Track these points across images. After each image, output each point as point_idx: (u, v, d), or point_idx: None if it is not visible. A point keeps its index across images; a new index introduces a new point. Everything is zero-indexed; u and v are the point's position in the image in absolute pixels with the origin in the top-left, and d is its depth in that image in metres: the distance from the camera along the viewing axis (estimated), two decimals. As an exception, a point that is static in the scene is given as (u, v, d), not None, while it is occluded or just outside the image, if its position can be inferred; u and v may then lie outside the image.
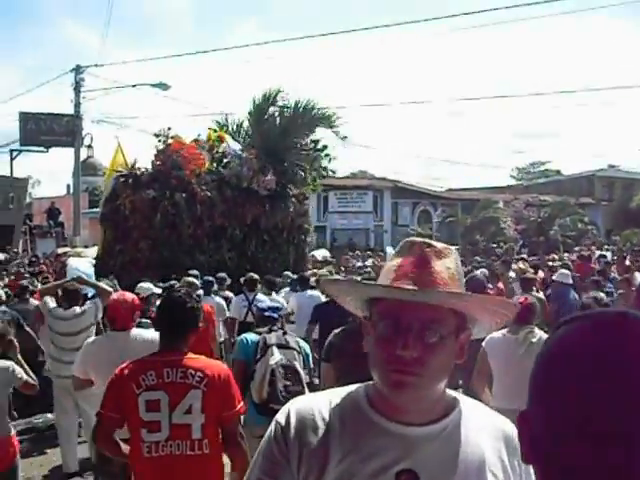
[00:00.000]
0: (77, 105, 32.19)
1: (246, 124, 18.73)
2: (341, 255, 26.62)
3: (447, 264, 1.85)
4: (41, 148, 37.36)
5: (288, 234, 17.02)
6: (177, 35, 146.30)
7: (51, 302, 8.77)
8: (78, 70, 31.46)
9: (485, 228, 38.60)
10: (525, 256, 22.06)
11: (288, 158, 17.41)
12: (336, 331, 5.97)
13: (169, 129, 16.48)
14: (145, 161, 16.29)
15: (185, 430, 4.11)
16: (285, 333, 6.37)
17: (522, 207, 40.86)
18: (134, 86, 32.58)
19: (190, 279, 10.57)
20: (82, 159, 37.47)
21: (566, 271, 13.46)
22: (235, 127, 18.72)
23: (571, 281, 12.93)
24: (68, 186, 47.13)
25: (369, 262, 22.92)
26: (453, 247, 1.99)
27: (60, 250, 24.48)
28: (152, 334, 5.61)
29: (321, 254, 24.31)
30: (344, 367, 5.29)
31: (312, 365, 6.99)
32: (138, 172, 15.54)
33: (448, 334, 1.77)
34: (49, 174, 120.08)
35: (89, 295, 9.41)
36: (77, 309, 8.53)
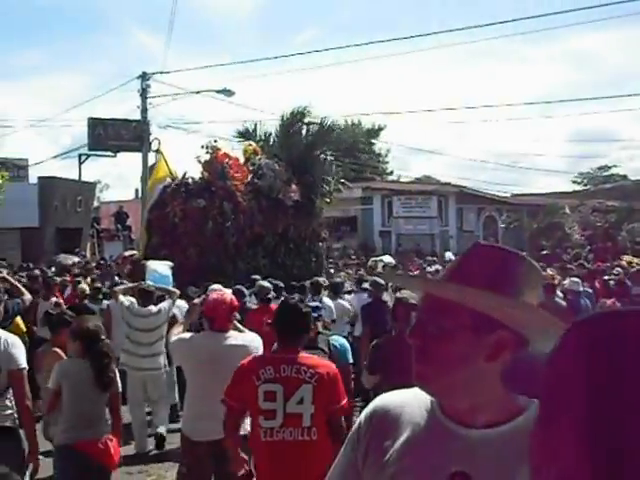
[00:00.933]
0: (144, 111, 32.51)
1: (273, 134, 19.91)
2: (407, 260, 26.37)
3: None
4: (109, 153, 37.89)
5: (310, 242, 18.11)
6: (241, 41, 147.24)
7: (126, 301, 9.32)
8: (144, 77, 31.80)
9: (551, 234, 38.00)
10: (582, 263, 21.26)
11: (312, 171, 18.32)
12: (378, 342, 6.39)
13: (215, 141, 17.47)
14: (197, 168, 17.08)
15: (297, 419, 4.71)
16: (318, 333, 6.61)
17: (589, 212, 40.15)
18: (198, 92, 32.81)
19: (264, 283, 11.37)
20: (150, 164, 37.90)
21: (576, 279, 13.65)
22: (263, 137, 19.88)
23: (582, 289, 13.26)
24: (136, 190, 47.65)
25: (432, 268, 22.56)
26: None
27: (127, 253, 24.70)
28: (247, 339, 5.84)
29: (386, 259, 24.04)
30: (388, 378, 5.59)
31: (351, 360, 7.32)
32: (189, 182, 16.27)
33: (458, 328, 1.71)
34: (118, 178, 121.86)
35: None
36: (153, 308, 9.17)
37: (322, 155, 18.90)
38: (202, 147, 16.90)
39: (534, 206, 44.02)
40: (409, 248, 34.89)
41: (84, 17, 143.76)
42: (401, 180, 59.66)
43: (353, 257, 30.68)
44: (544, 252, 31.31)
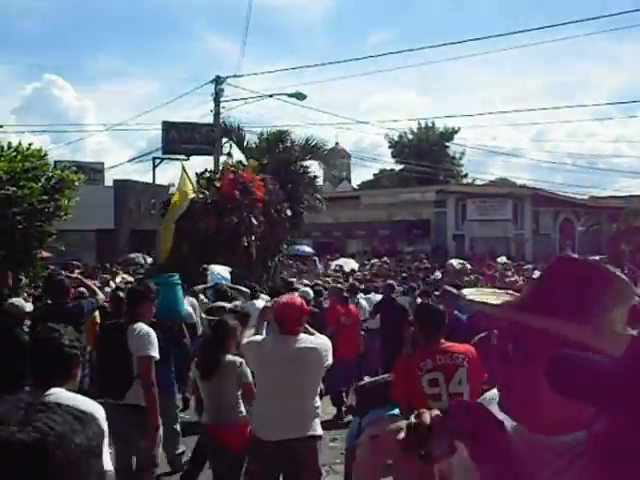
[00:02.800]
0: (217, 115, 32.69)
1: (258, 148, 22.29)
2: (481, 264, 25.97)
3: None
4: (182, 156, 38.26)
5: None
6: (313, 44, 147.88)
7: (205, 299, 9.88)
8: (218, 81, 31.98)
9: (632, 238, 36.99)
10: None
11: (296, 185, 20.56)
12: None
13: (236, 161, 19.89)
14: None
15: (459, 396, 5.39)
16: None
17: (672, 216, 39.02)
18: (271, 96, 32.86)
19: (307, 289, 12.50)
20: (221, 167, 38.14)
21: None
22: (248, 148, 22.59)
23: None
24: (209, 193, 47.98)
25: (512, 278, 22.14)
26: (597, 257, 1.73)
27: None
28: (317, 342, 5.82)
29: (457, 263, 23.78)
30: None
31: None
32: (220, 199, 17.12)
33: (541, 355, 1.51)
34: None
35: None
36: (227, 305, 9.41)
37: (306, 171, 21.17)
38: (230, 165, 18.68)
39: (614, 209, 43.06)
40: (482, 252, 34.33)
41: (159, 22, 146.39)
42: (475, 183, 59.10)
43: (425, 261, 30.35)
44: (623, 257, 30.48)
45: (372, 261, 31.16)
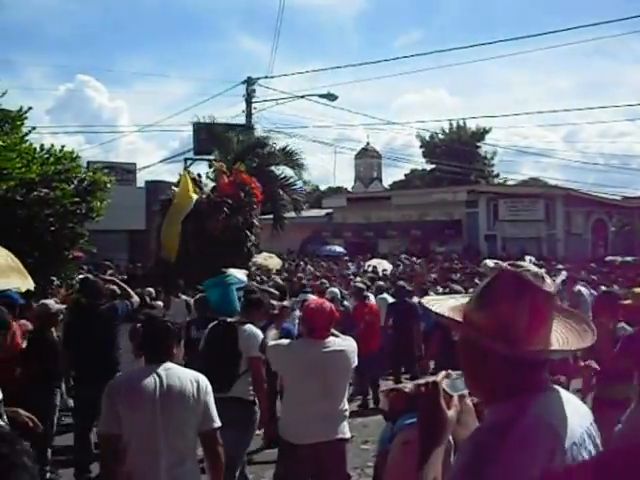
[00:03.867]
0: (248, 115, 32.84)
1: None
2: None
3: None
4: (214, 157, 38.38)
5: None
6: (344, 45, 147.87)
7: None
8: (249, 82, 32.11)
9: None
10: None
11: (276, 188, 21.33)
12: None
13: (235, 164, 19.34)
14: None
15: None
16: None
17: None
18: (302, 97, 32.95)
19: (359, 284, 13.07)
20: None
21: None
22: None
23: None
24: (240, 193, 48.03)
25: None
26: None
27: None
28: (344, 344, 5.81)
29: (492, 262, 23.61)
30: None
31: None
32: (226, 200, 17.38)
33: None
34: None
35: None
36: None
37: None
38: (228, 169, 18.58)
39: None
40: (513, 252, 34.10)
41: (191, 23, 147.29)
42: (507, 183, 58.78)
43: (456, 262, 30.25)
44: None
45: (402, 257, 31.17)
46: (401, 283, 13.79)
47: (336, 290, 12.86)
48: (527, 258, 24.88)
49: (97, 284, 8.47)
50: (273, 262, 22.61)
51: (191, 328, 9.73)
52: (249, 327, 6.88)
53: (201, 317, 9.75)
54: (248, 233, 17.40)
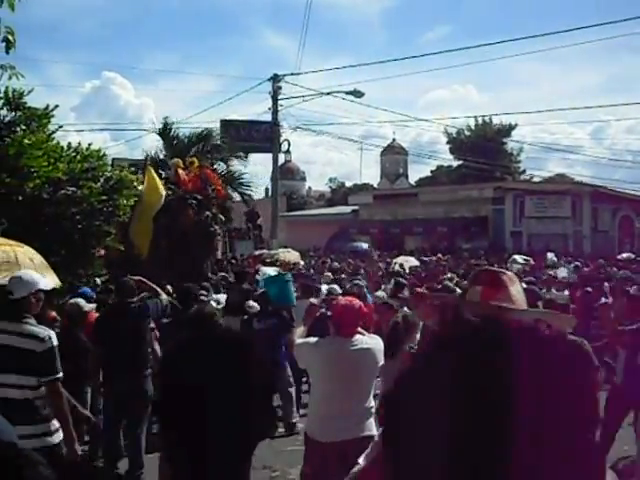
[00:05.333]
0: (274, 112, 32.92)
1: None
2: (540, 261, 25.70)
3: (518, 288, 2.54)
4: (240, 154, 38.53)
5: None
6: (370, 41, 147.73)
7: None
8: (275, 79, 32.18)
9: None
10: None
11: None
12: None
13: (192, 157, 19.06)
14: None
15: None
16: None
17: None
18: (329, 94, 32.96)
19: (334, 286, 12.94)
20: (280, 164, 38.34)
21: None
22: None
23: None
24: (267, 189, 48.20)
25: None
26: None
27: (257, 252, 25.09)
28: (371, 342, 5.85)
29: (520, 258, 23.57)
30: None
31: None
32: (196, 195, 17.20)
33: None
34: (251, 178, 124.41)
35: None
36: None
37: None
38: (190, 164, 18.27)
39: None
40: (539, 249, 33.93)
41: (216, 20, 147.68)
42: (533, 179, 58.52)
43: (482, 258, 30.14)
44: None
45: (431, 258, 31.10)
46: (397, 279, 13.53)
47: (336, 286, 12.72)
48: (549, 255, 24.86)
49: (126, 282, 8.57)
50: (292, 256, 22.62)
51: (253, 321, 10.36)
52: None
53: (262, 310, 10.44)
54: (217, 228, 17.47)
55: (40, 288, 5.70)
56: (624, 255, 25.15)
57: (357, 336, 5.81)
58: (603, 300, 12.75)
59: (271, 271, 14.29)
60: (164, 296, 9.04)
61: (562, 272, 15.19)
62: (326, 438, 5.66)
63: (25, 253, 7.43)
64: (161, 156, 20.40)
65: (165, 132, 21.36)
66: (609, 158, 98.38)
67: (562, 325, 2.67)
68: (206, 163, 20.18)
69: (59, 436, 5.46)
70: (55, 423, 5.45)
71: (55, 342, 5.50)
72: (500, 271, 2.63)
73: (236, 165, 23.38)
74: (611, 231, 41.79)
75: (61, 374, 5.48)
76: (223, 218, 18.25)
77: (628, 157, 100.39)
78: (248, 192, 24.65)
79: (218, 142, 22.04)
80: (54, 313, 8.76)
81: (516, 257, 23.67)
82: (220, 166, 22.04)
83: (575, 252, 35.75)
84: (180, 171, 17.38)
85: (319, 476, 5.75)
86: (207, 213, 16.88)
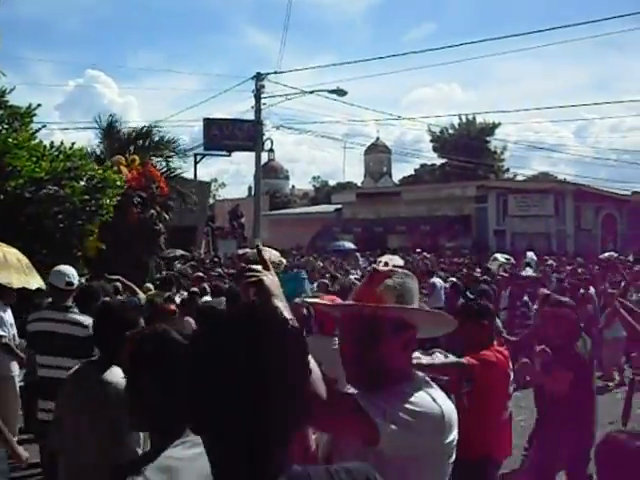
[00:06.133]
0: (258, 111, 32.83)
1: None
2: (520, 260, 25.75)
3: (388, 283, 2.51)
4: (223, 152, 38.49)
5: None
6: (354, 40, 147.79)
7: None
8: (258, 77, 32.11)
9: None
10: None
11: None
12: None
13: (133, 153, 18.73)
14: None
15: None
16: None
17: None
18: (312, 92, 32.93)
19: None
20: (263, 163, 38.27)
21: None
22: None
23: None
24: (250, 188, 48.12)
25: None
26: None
27: (241, 251, 25.03)
28: None
29: (502, 257, 23.61)
30: None
31: None
32: (141, 193, 17.03)
33: (379, 333, 2.44)
34: (234, 176, 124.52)
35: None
36: None
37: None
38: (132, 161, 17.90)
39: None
40: (522, 248, 34.01)
41: (199, 19, 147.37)
42: (517, 178, 58.72)
43: (466, 256, 30.22)
44: None
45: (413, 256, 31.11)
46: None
47: (351, 279, 12.60)
48: (528, 254, 24.94)
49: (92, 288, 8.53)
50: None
51: None
52: None
53: None
54: (161, 226, 17.25)
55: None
56: (606, 254, 25.26)
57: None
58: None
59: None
60: (142, 295, 9.03)
61: (528, 272, 15.17)
62: None
63: (13, 254, 7.46)
64: (98, 152, 19.94)
65: (110, 129, 20.96)
66: (593, 157, 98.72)
67: (438, 325, 2.71)
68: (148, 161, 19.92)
69: None
70: None
71: None
72: (376, 269, 2.66)
73: (176, 162, 22.74)
74: (594, 230, 41.90)
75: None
76: (167, 217, 17.78)
77: (612, 155, 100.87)
78: (187, 191, 24.13)
79: (157, 139, 21.43)
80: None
81: (497, 255, 23.72)
82: (160, 164, 21.67)
83: (559, 251, 35.88)
84: (123, 168, 17.24)
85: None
86: (152, 211, 16.74)
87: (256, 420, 1.46)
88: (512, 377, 5.59)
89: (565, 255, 31.74)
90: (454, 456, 2.43)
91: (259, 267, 2.27)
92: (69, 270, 6.45)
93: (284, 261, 22.59)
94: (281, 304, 2.16)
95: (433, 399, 2.36)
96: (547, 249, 35.60)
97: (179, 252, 26.34)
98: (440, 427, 2.32)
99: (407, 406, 2.28)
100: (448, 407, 2.38)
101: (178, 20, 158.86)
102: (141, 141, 20.81)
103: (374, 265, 2.83)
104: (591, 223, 42.04)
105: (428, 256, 29.39)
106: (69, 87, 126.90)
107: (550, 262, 24.07)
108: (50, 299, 6.90)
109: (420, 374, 2.55)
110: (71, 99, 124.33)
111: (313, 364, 1.95)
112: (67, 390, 4.13)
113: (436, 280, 15.88)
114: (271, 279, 2.23)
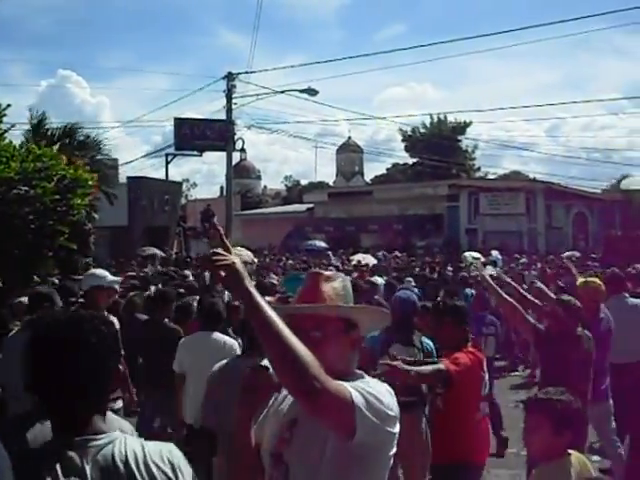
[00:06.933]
0: (229, 111, 32.78)
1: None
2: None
3: (334, 285, 2.64)
4: (195, 152, 38.39)
5: None
6: (325, 39, 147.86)
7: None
8: (230, 77, 32.05)
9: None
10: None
11: None
12: None
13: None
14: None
15: (487, 396, 5.87)
16: None
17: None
18: (283, 92, 32.93)
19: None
20: (235, 162, 38.19)
21: None
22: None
23: None
24: (222, 188, 47.99)
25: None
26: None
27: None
28: None
29: (470, 255, 23.74)
30: None
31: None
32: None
33: (332, 333, 2.54)
34: (206, 176, 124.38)
35: None
36: None
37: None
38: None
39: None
40: (494, 246, 34.16)
41: (170, 18, 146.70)
42: (488, 177, 59.02)
43: (437, 255, 30.34)
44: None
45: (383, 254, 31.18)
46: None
47: (271, 281, 12.74)
48: (493, 252, 25.09)
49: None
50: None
51: None
52: None
53: None
54: (90, 226, 17.08)
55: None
56: (567, 253, 25.46)
57: None
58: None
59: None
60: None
61: (488, 270, 15.16)
62: None
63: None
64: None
65: (39, 126, 20.63)
66: (564, 155, 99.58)
67: (374, 320, 2.83)
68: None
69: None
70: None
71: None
72: (317, 272, 2.81)
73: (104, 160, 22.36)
74: (565, 228, 42.19)
75: None
76: (96, 216, 17.52)
77: (582, 154, 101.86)
78: (112, 191, 23.75)
79: (82, 138, 21.08)
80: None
81: (467, 254, 23.86)
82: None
83: (530, 249, 36.11)
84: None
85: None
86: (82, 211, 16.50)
87: (63, 392, 2.14)
88: (486, 378, 5.67)
89: (536, 253, 31.93)
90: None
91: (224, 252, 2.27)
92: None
93: (256, 260, 22.63)
94: (252, 287, 2.21)
95: (388, 392, 2.45)
96: (519, 247, 35.84)
97: (152, 250, 26.27)
98: (395, 419, 2.41)
99: (378, 396, 2.34)
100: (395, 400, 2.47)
101: (150, 20, 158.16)
102: (68, 139, 20.46)
103: (314, 269, 2.99)
104: (562, 221, 42.33)
105: (400, 255, 29.49)
106: (41, 87, 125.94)
107: (523, 260, 24.26)
108: None
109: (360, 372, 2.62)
110: (43, 99, 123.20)
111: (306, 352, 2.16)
112: None
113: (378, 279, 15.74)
114: (240, 262, 2.26)
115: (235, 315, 7.87)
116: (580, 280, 8.90)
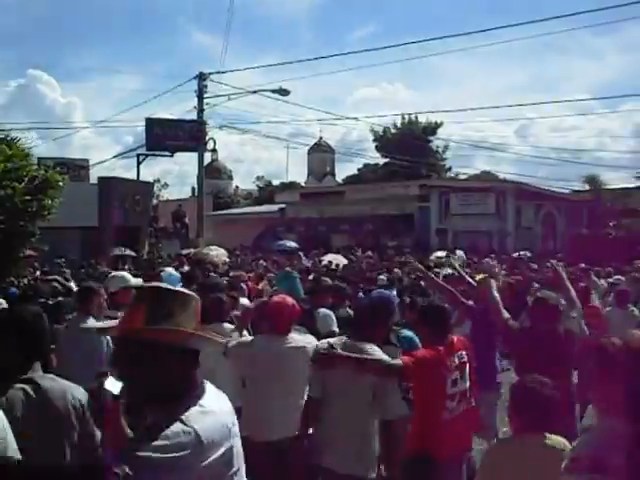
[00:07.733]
0: (200, 111, 32.81)
1: None
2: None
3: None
4: (166, 153, 38.28)
5: None
6: (297, 39, 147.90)
7: None
8: (201, 77, 32.08)
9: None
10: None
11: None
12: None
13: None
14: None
15: (464, 393, 5.63)
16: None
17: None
18: (255, 92, 32.99)
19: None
20: (206, 163, 38.16)
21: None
22: None
23: None
24: (193, 189, 47.87)
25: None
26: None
27: (184, 251, 25.02)
28: (306, 340, 5.99)
29: (440, 254, 24.02)
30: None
31: None
32: None
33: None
34: (178, 177, 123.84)
35: None
36: None
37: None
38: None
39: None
40: (464, 246, 34.42)
41: (142, 18, 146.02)
42: (459, 177, 59.35)
43: (407, 255, 30.49)
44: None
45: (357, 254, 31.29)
46: None
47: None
48: (458, 252, 25.29)
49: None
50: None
51: None
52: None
53: None
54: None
55: None
56: (519, 253, 25.80)
57: (291, 334, 5.90)
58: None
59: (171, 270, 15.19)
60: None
61: (448, 271, 15.28)
62: (261, 437, 5.60)
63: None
64: None
65: None
66: (533, 155, 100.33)
67: (213, 347, 2.95)
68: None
69: None
70: None
71: None
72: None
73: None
74: (535, 228, 42.48)
75: None
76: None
77: (552, 154, 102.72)
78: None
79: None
80: None
81: (437, 253, 24.05)
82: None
83: (499, 249, 36.37)
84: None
85: (255, 474, 5.75)
86: None
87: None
88: (454, 377, 5.56)
89: (506, 253, 32.20)
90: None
91: None
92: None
93: (228, 260, 22.62)
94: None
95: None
96: (489, 247, 36.13)
97: (122, 250, 26.22)
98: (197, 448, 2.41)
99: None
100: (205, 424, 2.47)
101: (120, 19, 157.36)
102: None
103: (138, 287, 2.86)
104: (531, 221, 42.63)
105: (371, 255, 29.63)
106: (10, 87, 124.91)
107: (488, 260, 24.49)
108: None
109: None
110: (13, 99, 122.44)
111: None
112: None
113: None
114: None
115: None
116: (479, 276, 9.62)
